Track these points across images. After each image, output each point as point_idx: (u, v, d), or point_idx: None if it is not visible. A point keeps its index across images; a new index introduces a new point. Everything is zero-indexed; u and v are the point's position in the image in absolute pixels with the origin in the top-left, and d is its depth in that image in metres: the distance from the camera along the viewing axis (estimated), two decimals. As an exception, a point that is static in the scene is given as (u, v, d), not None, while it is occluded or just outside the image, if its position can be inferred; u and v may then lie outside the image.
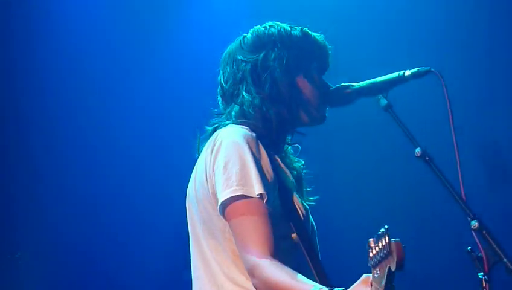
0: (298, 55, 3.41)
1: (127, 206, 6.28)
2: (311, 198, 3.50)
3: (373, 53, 6.23)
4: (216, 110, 3.48)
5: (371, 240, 2.63)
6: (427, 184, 4.93)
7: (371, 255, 2.62)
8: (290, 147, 3.50)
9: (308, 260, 3.20)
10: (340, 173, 6.35)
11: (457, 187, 3.08)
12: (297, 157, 3.52)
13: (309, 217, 3.42)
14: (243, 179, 3.08)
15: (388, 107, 3.29)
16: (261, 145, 3.22)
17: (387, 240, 2.52)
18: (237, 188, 3.08)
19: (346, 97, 3.45)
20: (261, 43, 3.42)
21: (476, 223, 3.02)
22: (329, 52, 3.52)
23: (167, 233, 5.78)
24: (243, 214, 3.06)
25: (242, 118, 3.34)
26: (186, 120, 3.61)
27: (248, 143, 3.16)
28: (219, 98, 3.49)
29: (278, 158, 3.35)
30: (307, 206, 3.43)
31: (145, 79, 6.38)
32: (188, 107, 5.93)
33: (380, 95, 3.33)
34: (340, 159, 6.40)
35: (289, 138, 3.47)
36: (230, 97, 3.40)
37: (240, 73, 3.38)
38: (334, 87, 3.49)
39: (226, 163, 3.13)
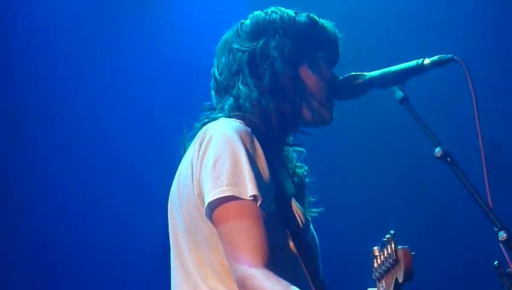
0: (303, 44, 3.14)
1: (116, 206, 6.11)
2: (314, 209, 3.25)
3: (388, 40, 6.03)
4: (208, 103, 3.20)
5: (375, 248, 2.46)
6: (448, 188, 4.69)
7: (375, 265, 2.45)
8: (291, 150, 3.24)
9: (307, 273, 2.95)
10: (349, 178, 6.13)
11: (483, 192, 2.87)
12: (300, 162, 3.26)
13: (310, 228, 3.15)
14: (235, 178, 2.80)
15: (404, 100, 3.02)
16: (256, 142, 2.93)
17: (393, 247, 2.35)
18: (227, 188, 2.79)
19: (356, 89, 3.18)
20: (261, 29, 3.15)
21: (505, 235, 2.78)
22: (340, 41, 3.25)
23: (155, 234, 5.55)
24: (234, 218, 2.78)
25: (236, 111, 3.06)
26: (177, 115, 3.32)
27: (242, 138, 2.87)
28: (213, 92, 3.21)
29: (276, 159, 3.07)
30: (309, 217, 3.17)
31: (133, 75, 6.21)
32: (180, 102, 5.72)
33: (395, 87, 3.07)
34: (349, 161, 6.18)
35: (291, 138, 3.21)
36: (224, 90, 3.13)
37: (236, 63, 3.11)
38: (343, 77, 3.20)
39: (215, 160, 2.84)
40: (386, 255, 2.38)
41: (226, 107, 3.08)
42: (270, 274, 2.72)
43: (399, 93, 3.03)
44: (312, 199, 3.24)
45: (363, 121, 6.02)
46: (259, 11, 3.21)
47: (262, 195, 2.80)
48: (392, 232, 2.38)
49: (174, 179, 3.07)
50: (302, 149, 3.25)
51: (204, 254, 2.92)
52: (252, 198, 2.78)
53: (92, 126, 6.11)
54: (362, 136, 6.13)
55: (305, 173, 3.24)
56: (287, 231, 2.94)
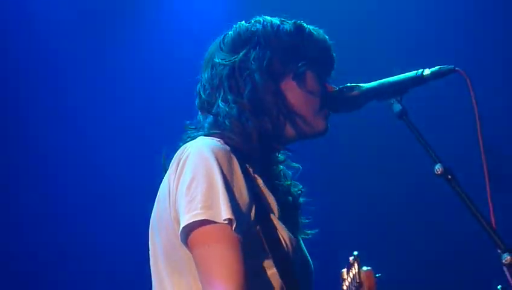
0: (286, 55, 2.99)
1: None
2: (309, 231, 3.12)
3: (386, 49, 5.93)
4: (188, 122, 3.07)
5: (343, 271, 2.41)
6: (448, 206, 4.54)
7: (344, 288, 2.41)
8: (284, 168, 3.10)
9: None
10: (346, 196, 6.01)
11: (486, 212, 2.74)
12: (297, 180, 3.13)
13: (299, 252, 3.01)
14: (209, 201, 2.69)
15: (403, 114, 2.88)
16: (235, 161, 2.80)
17: (356, 270, 2.32)
18: (201, 211, 2.68)
19: (352, 101, 3.03)
20: (242, 41, 3.01)
21: (509, 257, 2.65)
22: (331, 48, 3.09)
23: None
24: (207, 242, 2.69)
25: (216, 129, 2.93)
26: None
27: (218, 158, 2.75)
28: (199, 111, 3.08)
29: (260, 179, 2.92)
30: (299, 239, 3.05)
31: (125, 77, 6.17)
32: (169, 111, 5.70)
33: (393, 99, 2.93)
34: (344, 181, 6.05)
35: (281, 155, 3.08)
36: (207, 107, 3.01)
37: (217, 78, 2.98)
38: (338, 88, 3.06)
39: (190, 181, 2.73)
40: (351, 278, 2.35)
41: (206, 125, 2.96)
42: None
43: (397, 106, 2.89)
44: (307, 220, 3.11)
45: (359, 137, 5.91)
46: (243, 22, 3.07)
47: (237, 218, 2.69)
48: (355, 253, 2.34)
49: (155, 202, 2.95)
50: (298, 165, 3.12)
51: (183, 279, 2.81)
52: (226, 221, 2.67)
53: (88, 126, 6.07)
54: (358, 152, 6.02)
55: (299, 192, 3.11)
56: (269, 254, 2.82)
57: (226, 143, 2.84)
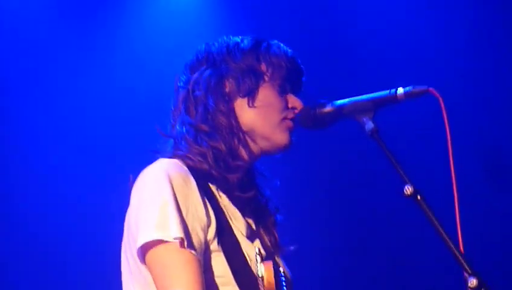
0: (239, 72, 2.97)
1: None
2: (291, 247, 3.11)
3: (358, 66, 5.95)
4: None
5: None
6: (417, 227, 4.48)
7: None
8: (258, 185, 3.10)
9: None
10: (313, 217, 6.01)
11: (454, 235, 2.70)
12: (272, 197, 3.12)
13: (276, 268, 2.95)
14: (161, 221, 2.71)
15: (374, 132, 2.84)
16: (190, 181, 2.81)
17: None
18: (153, 232, 2.71)
19: (323, 118, 2.99)
20: (198, 62, 3.03)
21: (475, 281, 2.63)
22: (293, 62, 3.04)
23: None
24: (161, 261, 2.71)
25: (176, 151, 2.95)
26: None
27: (171, 178, 2.77)
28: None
29: (224, 197, 2.93)
30: (276, 258, 3.02)
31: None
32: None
33: (366, 117, 2.88)
34: (313, 199, 6.06)
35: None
36: (170, 131, 3.04)
37: (176, 101, 3.03)
38: (307, 106, 3.02)
39: (143, 203, 2.78)
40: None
41: (168, 148, 2.98)
42: None
43: (369, 124, 2.85)
44: (283, 237, 3.10)
45: (329, 155, 5.90)
46: (205, 43, 3.07)
47: (189, 236, 2.71)
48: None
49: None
50: (275, 180, 3.11)
51: None
52: (178, 240, 2.69)
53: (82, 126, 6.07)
54: (326, 170, 6.01)
55: (276, 209, 3.10)
56: (230, 272, 2.81)
57: (185, 164, 2.85)
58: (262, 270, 2.30)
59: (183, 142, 2.92)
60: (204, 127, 2.92)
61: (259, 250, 2.45)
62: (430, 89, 2.83)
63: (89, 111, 6.07)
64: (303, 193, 5.91)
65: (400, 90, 2.87)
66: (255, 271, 2.83)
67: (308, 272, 5.57)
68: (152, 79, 5.85)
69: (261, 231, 3.04)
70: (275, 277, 2.83)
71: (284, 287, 2.93)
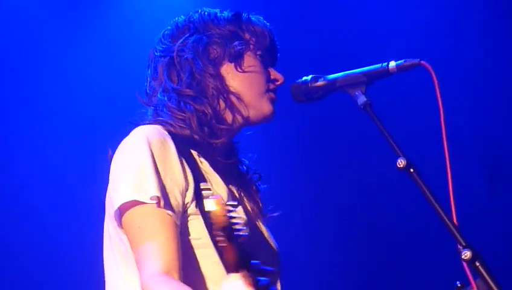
0: (224, 38, 3.04)
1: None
2: (273, 214, 3.15)
3: (351, 41, 5.84)
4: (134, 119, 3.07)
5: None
6: (410, 200, 4.49)
7: None
8: (240, 154, 3.15)
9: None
10: (305, 188, 5.99)
11: (447, 207, 2.70)
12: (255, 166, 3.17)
13: (256, 236, 3.02)
14: (137, 182, 2.75)
15: (366, 106, 2.86)
16: (169, 144, 2.85)
17: None
18: (129, 193, 2.75)
19: (315, 91, 3.01)
20: (180, 31, 3.07)
21: (468, 253, 2.63)
22: (271, 34, 3.12)
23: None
24: (137, 223, 2.74)
25: (156, 117, 2.99)
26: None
27: (150, 142, 2.81)
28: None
29: (205, 162, 2.96)
30: (262, 224, 3.08)
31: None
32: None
33: (358, 91, 2.91)
34: (304, 172, 6.02)
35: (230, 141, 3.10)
36: (149, 102, 3.07)
37: (156, 71, 3.06)
38: (300, 80, 3.04)
39: (121, 167, 2.83)
40: None
41: (148, 117, 3.01)
42: (168, 280, 2.65)
43: (362, 98, 2.87)
44: (263, 204, 3.14)
45: (323, 128, 5.87)
46: (183, 14, 3.12)
47: (166, 196, 2.75)
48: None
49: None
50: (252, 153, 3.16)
51: (130, 266, 2.83)
52: (154, 200, 2.72)
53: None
54: (319, 144, 5.98)
55: (257, 176, 3.16)
56: (208, 236, 2.82)
57: (166, 129, 2.89)
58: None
59: (164, 110, 2.95)
60: (189, 92, 2.95)
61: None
62: (422, 62, 2.84)
63: (74, 110, 6.04)
64: (296, 166, 5.92)
65: (392, 63, 2.89)
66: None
67: (299, 241, 5.60)
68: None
69: (244, 198, 3.09)
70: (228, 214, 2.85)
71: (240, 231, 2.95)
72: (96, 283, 3.07)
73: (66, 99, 5.98)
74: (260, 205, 3.11)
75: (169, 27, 3.10)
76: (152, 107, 3.00)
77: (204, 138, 2.94)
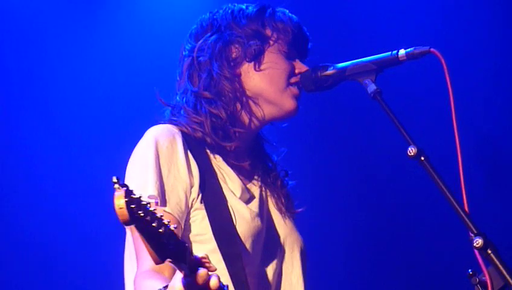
0: (245, 37, 3.00)
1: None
2: (298, 209, 3.16)
3: (361, 30, 5.86)
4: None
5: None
6: (421, 188, 4.48)
7: None
8: (264, 153, 3.15)
9: (229, 275, 2.82)
10: (315, 178, 5.88)
11: (459, 195, 2.69)
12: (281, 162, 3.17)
13: (270, 231, 3.02)
14: (138, 183, 2.78)
15: (376, 94, 2.84)
16: (178, 143, 2.87)
17: None
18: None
19: (325, 81, 3.01)
20: (203, 30, 3.06)
21: (480, 240, 2.61)
22: (298, 28, 3.08)
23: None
24: None
25: (172, 117, 3.00)
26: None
27: (157, 142, 2.85)
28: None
29: (220, 160, 2.96)
30: (287, 218, 3.09)
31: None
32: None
33: (368, 79, 2.89)
34: (316, 161, 5.97)
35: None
36: (169, 101, 3.09)
37: (181, 70, 3.05)
38: (310, 68, 3.04)
39: (129, 167, 2.87)
40: None
41: (166, 117, 3.02)
42: (150, 273, 2.65)
43: (371, 86, 2.86)
44: (293, 202, 3.14)
45: (333, 116, 5.85)
46: (209, 11, 3.09)
47: (164, 194, 2.77)
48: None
49: None
50: (283, 147, 3.17)
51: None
52: (152, 199, 2.67)
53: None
54: (330, 132, 5.95)
55: (283, 172, 3.15)
56: (210, 228, 2.84)
57: (179, 129, 2.90)
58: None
59: (181, 112, 2.95)
60: (207, 94, 2.94)
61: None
62: (432, 49, 2.83)
63: (81, 110, 5.98)
64: (307, 156, 5.90)
65: (402, 51, 2.88)
66: (241, 229, 2.87)
67: (311, 234, 5.59)
68: (151, 78, 5.76)
69: (267, 194, 3.07)
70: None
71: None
72: (97, 283, 3.08)
73: (78, 99, 5.93)
74: (283, 200, 3.09)
75: (195, 25, 3.07)
76: (169, 108, 3.01)
77: (217, 140, 2.92)
